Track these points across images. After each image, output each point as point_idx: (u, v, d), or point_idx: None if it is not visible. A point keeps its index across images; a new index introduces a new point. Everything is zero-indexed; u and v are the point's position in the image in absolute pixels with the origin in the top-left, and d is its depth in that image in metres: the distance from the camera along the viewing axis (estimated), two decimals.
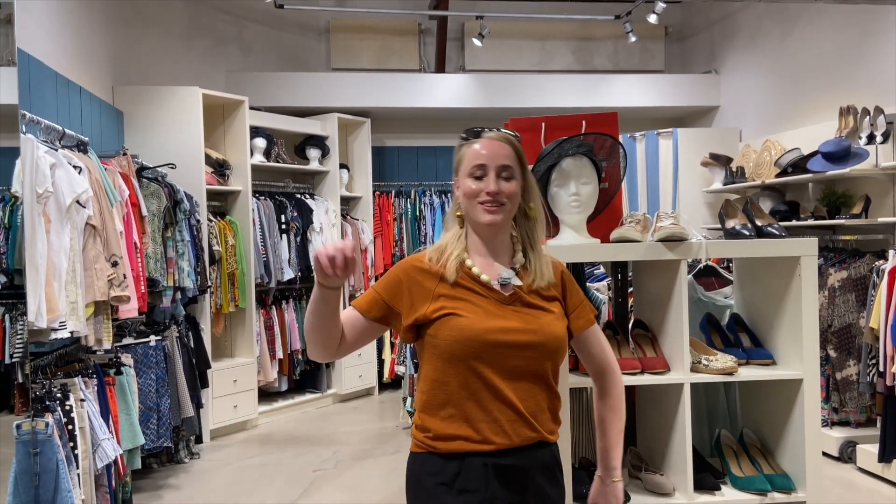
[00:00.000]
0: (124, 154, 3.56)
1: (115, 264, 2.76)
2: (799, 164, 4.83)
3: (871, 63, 4.76)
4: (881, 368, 3.81)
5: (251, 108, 5.43)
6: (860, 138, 4.40)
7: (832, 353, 4.26)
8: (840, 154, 4.41)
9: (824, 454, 4.28)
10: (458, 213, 1.52)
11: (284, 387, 5.85)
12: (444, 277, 1.47)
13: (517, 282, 1.48)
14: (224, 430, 5.10)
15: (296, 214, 5.72)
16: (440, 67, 6.60)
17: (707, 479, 2.07)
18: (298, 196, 5.87)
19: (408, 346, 4.57)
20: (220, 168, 5.18)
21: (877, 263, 4.03)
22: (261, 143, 5.57)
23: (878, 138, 4.26)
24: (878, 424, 3.99)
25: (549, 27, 6.77)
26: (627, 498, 2.02)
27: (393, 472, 4.27)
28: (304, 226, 5.75)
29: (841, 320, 4.25)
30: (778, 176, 4.99)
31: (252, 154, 5.47)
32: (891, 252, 3.91)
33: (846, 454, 4.20)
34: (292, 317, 5.79)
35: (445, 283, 1.47)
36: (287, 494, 3.95)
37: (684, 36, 7.04)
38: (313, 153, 5.97)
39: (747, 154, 5.62)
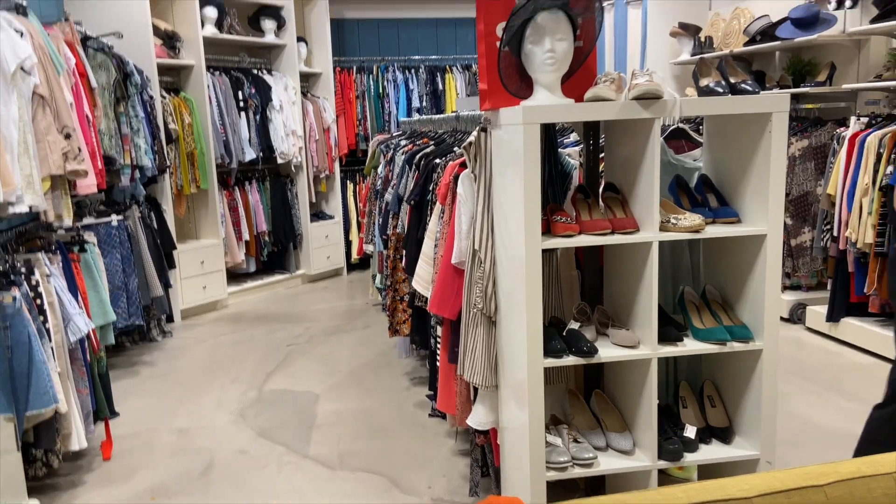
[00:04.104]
0: (66, 20, 3.31)
1: (68, 136, 2.64)
2: (768, 32, 4.76)
3: None
4: (835, 233, 3.97)
5: None
6: (829, 3, 4.33)
7: (788, 221, 4.40)
8: (809, 20, 4.35)
9: None
10: None
11: (253, 268, 5.86)
12: None
13: None
14: (194, 311, 5.13)
15: (254, 91, 5.50)
16: None
17: (670, 331, 2.16)
18: (255, 72, 5.62)
19: (376, 224, 4.55)
20: (169, 40, 4.90)
21: (838, 131, 4.08)
22: (211, 12, 5.25)
23: (847, 3, 4.19)
24: (829, 287, 4.20)
25: None
26: (594, 350, 2.11)
27: (364, 345, 4.39)
28: (263, 103, 5.55)
29: (799, 188, 4.36)
30: (746, 45, 4.93)
31: (203, 25, 5.17)
32: (852, 119, 3.96)
33: (796, 315, 4.44)
34: (256, 198, 5.71)
35: None
36: (263, 367, 4.05)
37: None
38: (269, 24, 5.67)
39: (716, 23, 5.51)
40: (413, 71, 6.51)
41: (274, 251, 5.97)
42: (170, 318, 4.67)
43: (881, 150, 3.69)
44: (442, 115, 3.96)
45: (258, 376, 3.90)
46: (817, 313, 4.24)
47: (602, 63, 6.10)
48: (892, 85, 3.92)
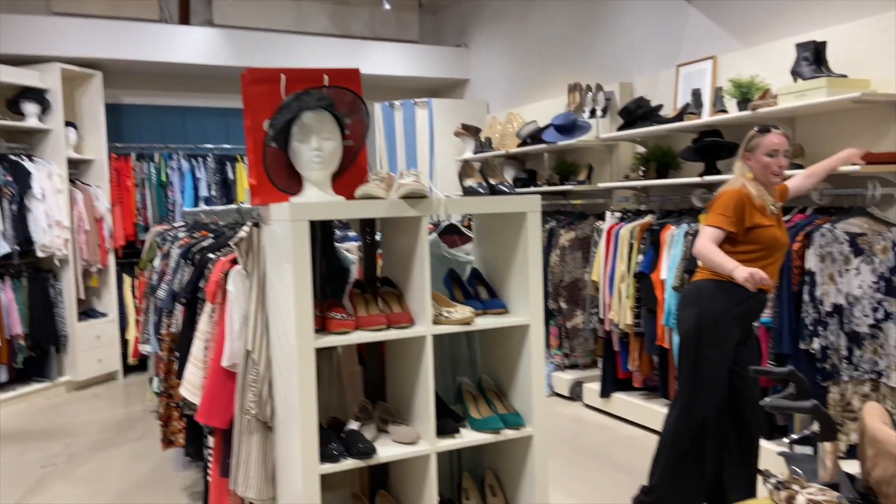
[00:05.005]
0: None
1: None
2: (536, 136, 5.26)
3: (595, 44, 5.32)
4: (601, 316, 4.34)
5: None
6: (584, 112, 4.91)
7: (564, 305, 4.75)
8: (568, 126, 4.88)
9: (558, 394, 4.79)
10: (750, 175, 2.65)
11: (4, 377, 5.08)
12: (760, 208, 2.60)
13: (778, 206, 2.70)
14: None
15: (10, 179, 4.93)
16: (184, 19, 6.08)
17: (448, 424, 2.17)
18: (13, 157, 5.06)
19: (151, 323, 4.17)
20: None
21: (597, 224, 4.55)
22: None
23: (599, 112, 4.78)
24: (600, 365, 4.55)
25: None
26: (372, 451, 2.05)
27: (138, 459, 3.93)
28: (22, 192, 4.98)
29: (570, 275, 4.75)
30: (519, 146, 5.40)
31: None
32: (608, 213, 4.44)
33: (575, 393, 4.73)
34: (10, 297, 5.02)
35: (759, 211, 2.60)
36: (6, 497, 3.43)
37: (437, 8, 7.27)
38: (31, 108, 5.18)
39: (493, 125, 5.99)
40: (201, 159, 6.27)
41: (32, 356, 5.24)
42: None
43: (632, 241, 4.16)
44: (224, 207, 3.81)
45: None
46: (593, 390, 4.55)
47: (394, 159, 6.34)
48: (638, 184, 4.48)
